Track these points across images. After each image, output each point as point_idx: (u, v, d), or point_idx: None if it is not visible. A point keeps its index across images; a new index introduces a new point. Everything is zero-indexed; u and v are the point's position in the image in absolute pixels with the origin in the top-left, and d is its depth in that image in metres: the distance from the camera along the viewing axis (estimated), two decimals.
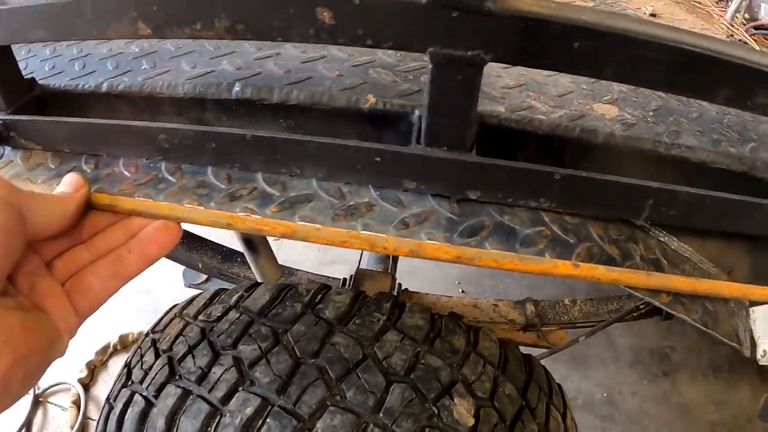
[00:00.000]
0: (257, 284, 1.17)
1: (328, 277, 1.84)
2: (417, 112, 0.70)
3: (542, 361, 2.03)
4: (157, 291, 2.80)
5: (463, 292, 2.81)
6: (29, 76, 0.82)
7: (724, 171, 0.71)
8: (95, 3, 0.58)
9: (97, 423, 1.16)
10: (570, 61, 0.52)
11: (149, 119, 0.76)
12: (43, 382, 2.47)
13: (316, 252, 3.09)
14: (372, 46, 0.52)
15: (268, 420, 0.92)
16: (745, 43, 1.29)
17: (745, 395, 2.52)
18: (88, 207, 0.70)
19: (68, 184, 0.68)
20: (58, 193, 0.68)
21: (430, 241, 0.62)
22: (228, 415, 0.94)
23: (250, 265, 1.48)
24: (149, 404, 1.04)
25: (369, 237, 0.63)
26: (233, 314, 1.10)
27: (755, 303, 0.75)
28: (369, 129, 0.71)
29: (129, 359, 1.22)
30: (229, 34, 0.55)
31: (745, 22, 1.40)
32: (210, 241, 1.88)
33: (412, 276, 2.77)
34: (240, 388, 0.97)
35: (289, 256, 2.43)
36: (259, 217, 0.65)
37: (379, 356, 0.97)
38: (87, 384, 2.48)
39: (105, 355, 2.57)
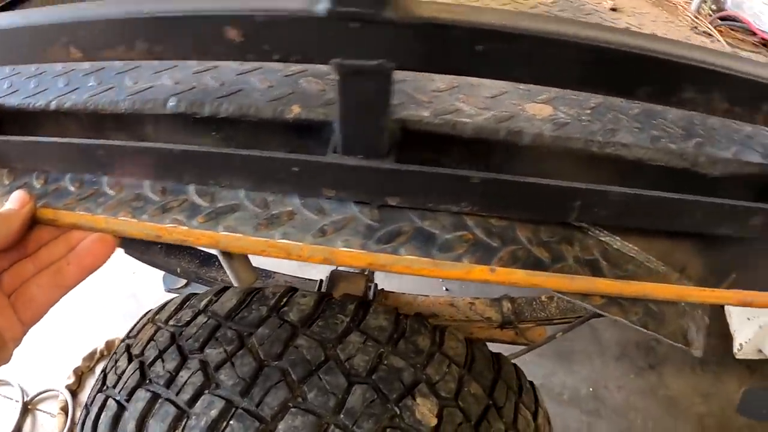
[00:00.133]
0: (226, 288, 1.18)
1: (305, 279, 1.84)
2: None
3: (527, 357, 2.04)
4: (142, 296, 2.80)
5: (447, 290, 2.81)
6: None
7: (664, 168, 0.71)
8: (31, 30, 0.60)
9: (77, 428, 1.18)
10: (475, 65, 0.52)
11: (94, 136, 0.78)
12: (32, 390, 2.47)
13: None
14: (280, 60, 0.53)
15: (231, 422, 0.94)
16: (710, 34, 1.29)
17: (733, 387, 2.53)
18: (34, 222, 0.73)
19: (15, 200, 0.72)
20: (3, 210, 0.71)
21: (344, 249, 0.63)
22: (194, 417, 0.96)
23: (225, 268, 1.48)
24: (121, 408, 1.06)
25: (286, 245, 0.65)
26: (201, 318, 1.11)
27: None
28: (295, 139, 0.72)
29: (105, 365, 1.24)
30: (150, 56, 0.57)
31: (711, 13, 1.40)
32: (187, 245, 1.88)
33: (396, 276, 2.77)
34: (206, 391, 0.98)
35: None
36: (186, 228, 0.67)
37: (341, 358, 0.97)
38: (75, 390, 2.48)
39: (92, 361, 2.58)
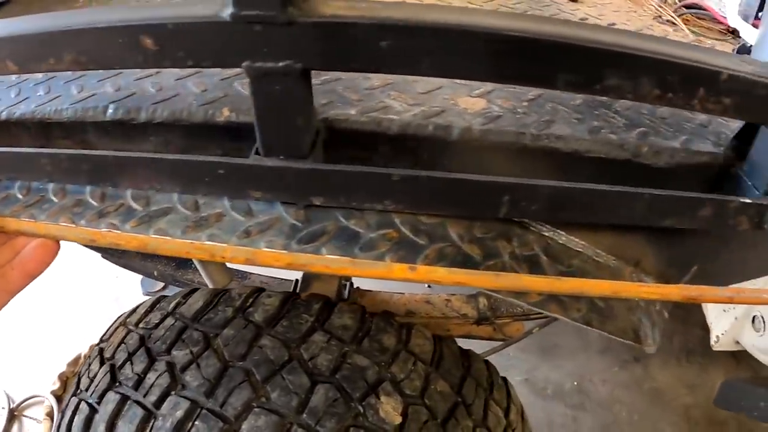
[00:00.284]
0: (194, 290, 1.18)
1: (281, 279, 1.85)
2: None
3: (510, 353, 2.04)
4: (125, 300, 2.79)
5: (429, 287, 2.80)
6: None
7: (603, 160, 0.70)
8: None
9: None
10: (382, 61, 0.52)
11: (44, 144, 0.80)
12: (18, 396, 2.47)
13: None
14: (194, 66, 0.55)
15: (197, 422, 0.94)
16: (674, 23, 1.28)
17: (719, 378, 2.53)
18: None
19: None
20: None
21: (266, 249, 0.63)
22: (161, 418, 0.97)
23: (199, 270, 1.49)
24: (93, 411, 1.07)
25: (210, 247, 0.65)
26: (169, 320, 1.12)
27: None
28: (227, 142, 0.73)
29: (80, 369, 1.24)
30: (77, 66, 0.58)
31: (677, 1, 1.40)
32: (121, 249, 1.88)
33: None
34: (172, 392, 0.99)
35: None
36: (119, 232, 0.68)
37: (304, 357, 0.98)
38: (60, 396, 2.48)
39: (77, 366, 2.57)
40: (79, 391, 1.15)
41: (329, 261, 0.63)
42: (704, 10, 1.35)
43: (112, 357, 1.13)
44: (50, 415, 2.40)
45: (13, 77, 0.90)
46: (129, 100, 0.76)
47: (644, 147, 0.70)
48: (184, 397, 0.97)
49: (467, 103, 0.72)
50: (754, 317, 1.91)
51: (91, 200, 0.74)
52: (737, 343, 2.02)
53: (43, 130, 0.80)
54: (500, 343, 1.70)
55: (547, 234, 0.72)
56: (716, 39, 1.27)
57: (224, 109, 0.71)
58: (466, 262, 0.65)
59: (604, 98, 0.76)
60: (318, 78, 0.75)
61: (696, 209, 0.69)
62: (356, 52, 0.52)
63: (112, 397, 1.04)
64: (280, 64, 0.52)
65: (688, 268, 0.88)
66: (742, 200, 0.69)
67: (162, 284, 1.95)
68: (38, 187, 0.78)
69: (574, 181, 0.64)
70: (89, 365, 1.20)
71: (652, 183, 0.68)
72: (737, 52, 1.18)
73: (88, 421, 1.06)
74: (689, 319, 2.69)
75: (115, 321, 1.28)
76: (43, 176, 0.75)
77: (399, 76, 0.76)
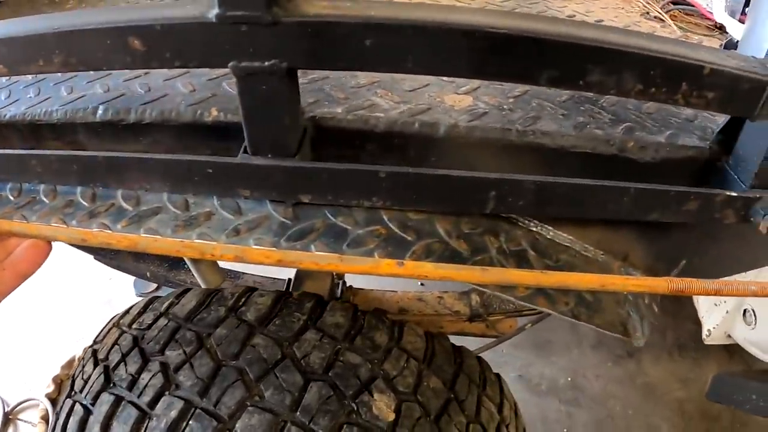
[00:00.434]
0: (187, 290, 1.18)
1: (274, 278, 1.85)
2: None
3: (504, 350, 2.05)
4: (118, 302, 2.79)
5: (422, 284, 2.81)
6: None
7: (589, 155, 0.71)
8: None
9: None
10: (367, 60, 0.53)
11: (34, 146, 0.80)
12: (12, 400, 2.47)
13: None
14: (181, 66, 0.55)
15: (191, 422, 0.94)
16: (662, 19, 1.29)
17: (712, 372, 2.54)
18: None
19: None
20: None
21: (255, 247, 0.64)
22: (155, 418, 0.97)
23: (192, 271, 1.49)
24: (87, 412, 1.07)
25: (199, 246, 0.66)
26: (162, 321, 1.12)
27: None
28: (215, 141, 0.74)
29: (74, 370, 1.24)
30: (66, 67, 0.59)
31: None
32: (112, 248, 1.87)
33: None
34: (166, 393, 0.99)
35: None
36: (110, 232, 0.68)
37: (297, 355, 0.98)
38: (55, 398, 2.47)
39: (71, 368, 2.56)
40: (73, 392, 1.15)
41: (318, 258, 0.63)
42: (691, 6, 1.36)
43: (106, 358, 1.13)
44: (45, 418, 2.40)
45: (3, 80, 0.90)
46: (118, 101, 0.76)
47: (630, 142, 0.71)
48: (178, 397, 0.97)
49: (453, 101, 0.73)
50: (745, 311, 1.92)
51: (82, 201, 0.74)
52: (729, 336, 2.03)
53: (33, 131, 0.81)
54: (493, 339, 1.70)
55: (534, 229, 0.72)
56: (703, 35, 1.28)
57: (212, 108, 0.71)
58: (453, 257, 0.66)
59: (590, 94, 0.77)
60: (305, 77, 0.76)
61: (682, 203, 0.70)
62: (341, 50, 0.53)
63: (106, 398, 1.04)
64: (266, 63, 0.53)
65: (677, 263, 0.88)
66: (728, 193, 0.70)
67: (155, 285, 1.95)
68: (29, 189, 0.79)
69: (560, 176, 0.65)
70: (83, 367, 1.19)
71: (639, 177, 0.69)
72: (724, 48, 1.19)
73: (83, 423, 1.06)
74: (681, 313, 2.71)
75: (109, 322, 1.28)
76: (34, 177, 0.76)
77: (386, 74, 0.77)
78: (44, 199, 0.77)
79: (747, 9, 1.20)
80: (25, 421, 2.44)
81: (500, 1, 1.16)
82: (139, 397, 1.00)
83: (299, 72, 0.59)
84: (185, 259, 1.50)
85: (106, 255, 1.76)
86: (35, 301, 2.61)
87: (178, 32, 0.53)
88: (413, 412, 0.98)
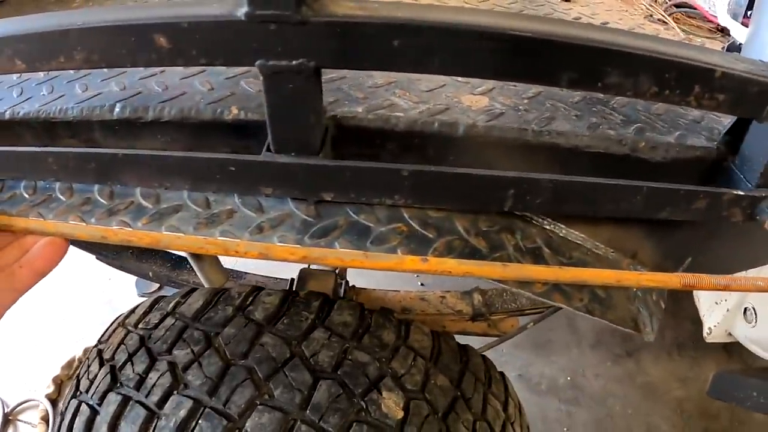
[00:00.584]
0: (193, 290, 1.18)
1: (277, 278, 1.85)
2: None
3: (504, 349, 2.05)
4: (118, 302, 2.79)
5: (422, 285, 2.82)
6: None
7: (603, 155, 0.72)
8: None
9: None
10: (393, 60, 0.54)
11: (48, 143, 0.80)
12: (12, 400, 2.46)
13: None
14: (206, 64, 0.55)
15: (200, 421, 0.94)
16: (665, 22, 1.30)
17: (711, 371, 2.52)
18: None
19: None
20: None
21: (279, 244, 0.65)
22: (164, 418, 0.97)
23: (195, 270, 1.49)
24: (94, 412, 1.07)
25: (223, 243, 0.66)
26: (169, 320, 1.12)
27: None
28: (236, 140, 0.74)
29: (78, 371, 1.24)
30: (88, 64, 0.59)
31: (667, 0, 1.42)
32: (158, 249, 1.88)
33: (372, 273, 2.78)
34: (174, 392, 0.99)
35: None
36: (131, 229, 0.68)
37: (306, 354, 0.98)
38: (55, 399, 2.47)
39: (71, 369, 2.57)
40: (78, 392, 1.15)
41: (343, 254, 0.64)
42: (693, 8, 1.37)
43: (112, 358, 1.13)
44: (45, 418, 2.40)
45: (13, 77, 0.90)
46: (136, 99, 0.76)
47: (641, 142, 0.73)
48: (187, 396, 0.97)
49: (470, 101, 0.74)
50: (745, 309, 1.93)
51: (99, 198, 0.75)
52: (729, 334, 2.04)
53: (47, 129, 0.81)
54: (495, 339, 1.71)
55: (548, 227, 0.73)
56: (706, 37, 1.30)
57: (233, 107, 0.72)
58: (473, 254, 0.67)
59: (601, 95, 0.78)
60: (323, 76, 0.77)
61: (692, 201, 0.71)
62: (368, 50, 0.53)
63: (113, 398, 1.04)
64: (294, 62, 0.54)
65: (683, 260, 0.90)
66: (735, 192, 0.71)
67: (157, 285, 1.95)
68: (45, 187, 0.79)
69: (574, 175, 0.66)
70: (88, 367, 1.19)
71: (649, 177, 0.70)
72: (727, 50, 1.21)
73: (90, 423, 1.06)
74: (680, 313, 2.72)
75: (113, 322, 1.28)
76: (50, 175, 0.76)
77: (402, 74, 0.78)
78: (61, 197, 0.77)
79: (750, 12, 1.21)
80: (25, 422, 2.43)
81: (508, 2, 1.17)
82: (147, 396, 1.00)
83: None
84: (188, 258, 1.51)
85: (108, 255, 1.76)
86: (35, 301, 2.61)
87: (206, 30, 0.53)
88: (421, 409, 0.99)
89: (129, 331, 1.16)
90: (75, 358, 2.59)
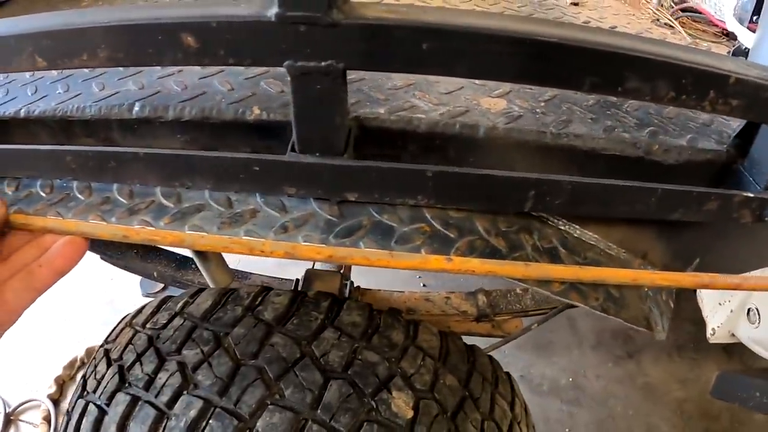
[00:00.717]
0: (201, 290, 1.19)
1: (282, 278, 1.85)
2: None
3: (506, 350, 2.05)
4: (120, 303, 2.79)
5: (424, 285, 2.82)
6: None
7: (618, 157, 0.73)
8: None
9: None
10: (421, 63, 0.55)
11: (64, 142, 0.80)
12: (13, 401, 2.46)
13: None
14: (234, 64, 0.56)
15: (211, 421, 0.95)
16: (671, 26, 1.31)
17: (711, 372, 2.56)
18: (7, 228, 0.74)
19: None
20: None
21: (305, 243, 0.65)
22: (174, 418, 0.97)
23: (201, 271, 1.49)
24: (102, 413, 1.06)
25: (248, 242, 0.67)
26: (178, 320, 1.12)
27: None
28: (257, 140, 0.74)
29: (85, 371, 1.24)
30: (111, 63, 0.59)
31: (673, 4, 1.43)
32: (163, 249, 1.89)
33: (374, 273, 2.78)
34: (184, 392, 0.99)
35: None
36: (153, 228, 0.68)
37: (316, 354, 0.99)
38: (57, 399, 2.47)
39: (72, 369, 2.57)
40: (85, 393, 1.14)
41: (369, 254, 0.65)
42: (699, 13, 1.38)
43: (120, 358, 1.13)
44: (47, 419, 2.39)
45: (27, 75, 0.90)
46: (155, 98, 0.77)
47: (655, 145, 0.74)
48: (197, 396, 0.97)
49: (489, 104, 0.75)
50: (749, 310, 1.93)
51: (119, 197, 0.75)
52: (733, 335, 2.05)
53: (64, 128, 0.81)
54: (499, 339, 1.72)
55: (563, 228, 0.74)
56: (712, 41, 1.31)
57: (254, 107, 0.72)
58: (494, 254, 0.68)
59: (615, 99, 0.79)
60: None
61: (703, 203, 0.72)
62: (397, 53, 0.54)
63: (122, 398, 1.04)
64: (323, 63, 0.54)
65: (691, 261, 0.91)
66: (745, 194, 0.72)
67: (161, 285, 1.95)
68: (62, 185, 0.79)
69: (589, 177, 0.67)
70: (95, 367, 1.19)
71: (661, 179, 0.71)
72: (732, 54, 1.22)
73: (98, 423, 1.06)
74: (680, 315, 2.72)
75: (120, 322, 1.28)
76: (68, 174, 0.76)
77: (419, 76, 0.79)
78: (79, 196, 0.77)
79: (756, 17, 1.22)
80: (26, 422, 2.43)
81: (518, 6, 1.17)
82: (156, 396, 1.00)
83: None
84: (194, 258, 1.51)
85: (113, 255, 1.76)
86: (37, 301, 2.60)
87: (235, 30, 0.54)
88: (431, 409, 0.99)
89: (137, 331, 1.17)
90: (77, 358, 2.58)
